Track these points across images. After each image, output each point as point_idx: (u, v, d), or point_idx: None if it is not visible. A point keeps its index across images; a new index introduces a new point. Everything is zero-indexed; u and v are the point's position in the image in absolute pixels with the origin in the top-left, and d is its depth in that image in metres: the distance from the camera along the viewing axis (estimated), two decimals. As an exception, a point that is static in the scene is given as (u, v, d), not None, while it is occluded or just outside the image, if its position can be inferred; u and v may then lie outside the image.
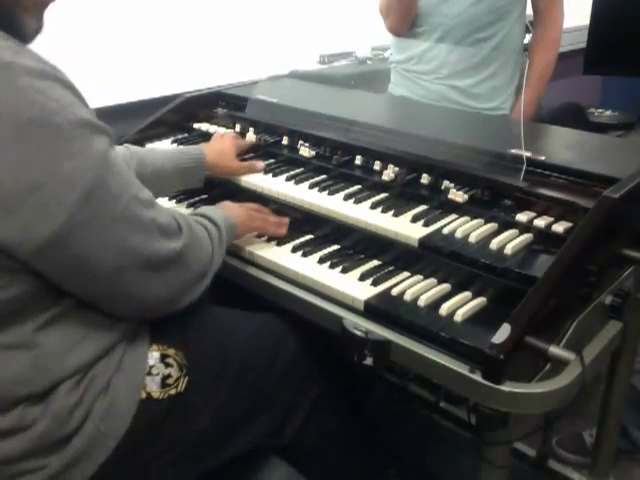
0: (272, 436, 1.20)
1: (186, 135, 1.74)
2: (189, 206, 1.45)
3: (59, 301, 0.94)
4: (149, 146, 1.63)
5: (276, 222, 1.29)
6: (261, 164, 1.47)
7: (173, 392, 1.04)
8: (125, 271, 0.94)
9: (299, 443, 1.23)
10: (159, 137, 1.69)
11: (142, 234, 0.94)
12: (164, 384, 1.03)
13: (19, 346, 0.92)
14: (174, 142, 1.69)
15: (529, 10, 2.01)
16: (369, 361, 1.02)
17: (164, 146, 1.65)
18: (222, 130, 1.68)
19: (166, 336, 1.07)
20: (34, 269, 0.89)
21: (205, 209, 1.21)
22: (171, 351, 1.06)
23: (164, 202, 1.47)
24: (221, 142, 1.50)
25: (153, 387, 1.02)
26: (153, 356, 1.04)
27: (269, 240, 1.29)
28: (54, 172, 0.84)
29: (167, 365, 1.05)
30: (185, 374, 1.06)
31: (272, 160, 1.52)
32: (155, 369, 1.03)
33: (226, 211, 1.21)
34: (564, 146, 1.46)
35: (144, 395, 1.01)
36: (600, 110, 2.72)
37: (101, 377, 0.98)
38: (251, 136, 1.59)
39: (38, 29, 0.96)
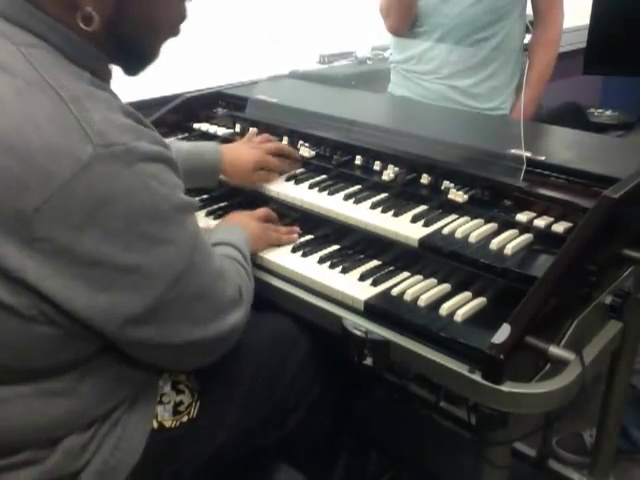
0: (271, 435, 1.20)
1: (186, 135, 1.73)
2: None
3: (105, 354, 0.93)
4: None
5: (287, 231, 1.29)
6: (276, 178, 1.42)
7: (185, 419, 1.02)
8: (196, 345, 0.93)
9: (294, 441, 1.23)
10: (159, 137, 1.68)
11: (217, 308, 0.94)
12: (176, 411, 1.02)
13: (59, 394, 0.91)
14: (174, 142, 1.69)
15: (529, 10, 2.01)
16: (369, 361, 1.02)
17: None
18: (222, 130, 1.68)
19: None
20: (106, 339, 0.88)
21: (227, 236, 1.16)
22: (182, 377, 1.05)
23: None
24: (244, 153, 1.42)
25: (165, 416, 1.01)
26: (165, 384, 1.03)
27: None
28: (152, 257, 0.84)
29: (179, 392, 1.03)
30: (197, 399, 1.04)
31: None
32: (166, 397, 1.02)
33: (244, 230, 1.19)
34: (564, 146, 1.47)
35: (156, 425, 0.99)
36: (600, 110, 2.72)
37: (113, 415, 0.97)
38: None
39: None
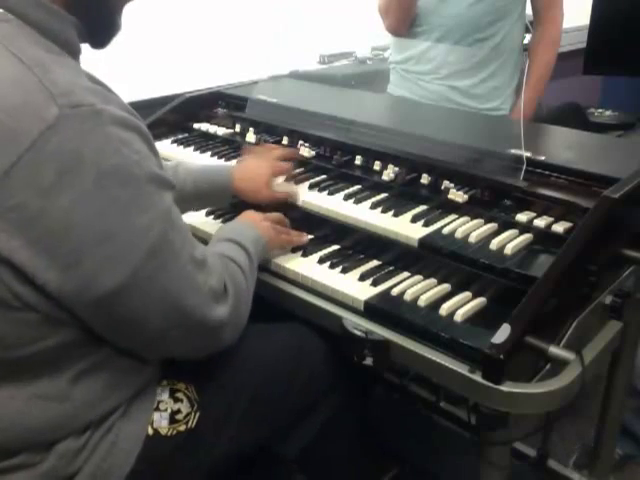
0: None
1: (186, 135, 1.74)
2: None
3: (94, 351, 0.92)
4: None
5: (298, 235, 1.27)
6: (296, 190, 1.36)
7: (182, 428, 1.00)
8: (173, 329, 0.91)
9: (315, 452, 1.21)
10: (159, 137, 1.69)
11: (196, 297, 0.92)
12: (173, 420, 1.00)
13: (52, 398, 0.90)
14: (174, 142, 1.69)
15: (529, 10, 2.01)
16: (369, 361, 1.02)
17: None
18: (222, 130, 1.68)
19: (178, 370, 1.04)
20: (84, 320, 0.87)
21: (236, 233, 1.14)
22: (181, 385, 1.03)
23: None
24: (256, 167, 1.36)
25: (162, 423, 0.99)
26: (163, 391, 1.02)
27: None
28: (125, 225, 0.82)
29: (176, 400, 1.01)
30: (196, 409, 1.02)
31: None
32: (163, 404, 1.00)
33: (256, 228, 1.17)
34: (564, 146, 1.47)
35: (151, 432, 0.98)
36: (600, 110, 2.71)
37: (108, 420, 0.96)
38: (251, 136, 1.60)
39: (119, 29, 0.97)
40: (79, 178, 0.79)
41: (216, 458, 1.05)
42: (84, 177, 0.79)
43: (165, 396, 1.01)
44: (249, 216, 1.24)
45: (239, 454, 1.09)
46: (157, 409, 1.00)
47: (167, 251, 0.87)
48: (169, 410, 1.00)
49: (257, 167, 1.36)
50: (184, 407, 1.02)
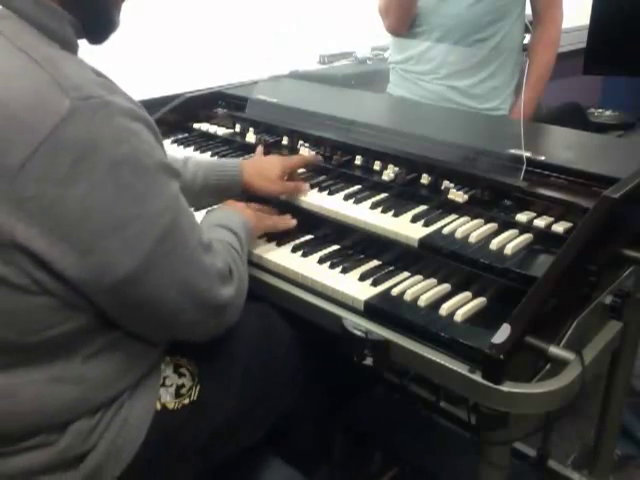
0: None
1: (186, 135, 1.74)
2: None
3: (107, 334, 0.95)
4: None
5: (282, 218, 1.30)
6: (306, 185, 1.36)
7: (186, 401, 1.04)
8: (185, 311, 0.95)
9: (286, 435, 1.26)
10: (159, 137, 1.68)
11: (205, 279, 0.95)
12: (178, 394, 1.04)
13: (67, 380, 0.93)
14: (174, 142, 1.69)
15: (528, 10, 2.01)
16: (369, 361, 1.02)
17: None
18: (222, 130, 1.68)
19: (178, 345, 1.07)
20: (100, 305, 0.90)
21: (225, 219, 1.17)
22: (183, 361, 1.07)
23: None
24: (266, 161, 1.40)
25: (167, 398, 1.03)
26: (167, 367, 1.05)
27: (269, 240, 1.28)
28: (138, 212, 0.85)
29: (180, 375, 1.06)
30: (197, 382, 1.06)
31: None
32: (169, 380, 1.04)
33: (242, 214, 1.20)
34: (564, 146, 1.46)
35: (159, 407, 1.02)
36: (600, 110, 2.71)
37: (119, 399, 0.99)
38: (251, 136, 1.60)
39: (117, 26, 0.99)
40: (93, 167, 0.81)
41: (219, 424, 1.09)
42: (98, 166, 0.81)
43: (169, 372, 1.05)
44: (231, 204, 1.27)
45: (240, 419, 1.13)
46: (163, 385, 1.04)
47: (177, 236, 0.90)
48: (174, 385, 1.04)
49: (269, 161, 1.39)
50: (187, 381, 1.06)
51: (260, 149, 1.51)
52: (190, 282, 0.93)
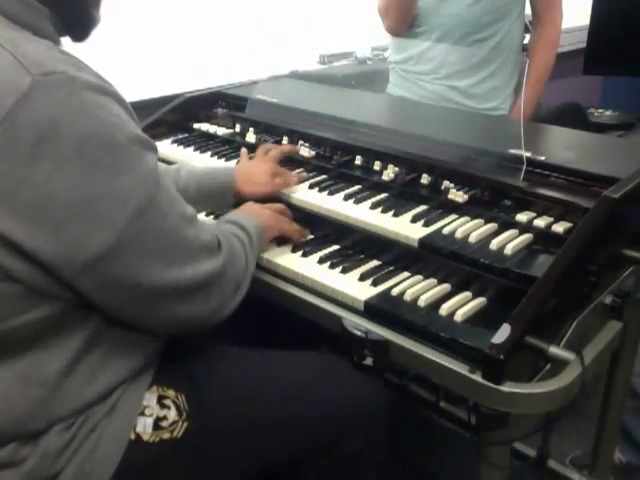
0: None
1: (186, 135, 1.74)
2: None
3: (78, 330, 0.91)
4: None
5: (300, 229, 1.28)
6: (295, 178, 1.38)
7: (166, 436, 0.98)
8: (167, 289, 0.92)
9: None
10: (159, 137, 1.69)
11: (187, 252, 0.93)
12: (157, 426, 0.98)
13: (34, 381, 0.89)
14: (174, 142, 1.69)
15: (528, 10, 2.01)
16: (369, 361, 1.02)
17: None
18: (222, 130, 1.68)
19: (170, 377, 1.03)
20: (75, 287, 0.86)
21: (235, 216, 1.18)
22: (171, 393, 1.01)
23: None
24: (253, 167, 1.38)
25: (145, 429, 0.97)
26: (150, 396, 1.00)
27: (269, 240, 1.28)
28: (109, 188, 0.83)
29: (163, 406, 0.99)
30: (185, 419, 1.00)
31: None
32: (149, 410, 0.98)
33: (255, 215, 1.19)
34: (564, 146, 1.46)
35: (133, 436, 0.96)
36: (600, 110, 2.71)
37: (93, 417, 0.95)
38: (251, 136, 1.60)
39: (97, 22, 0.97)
40: (57, 145, 0.79)
41: (204, 473, 1.02)
42: (63, 143, 0.79)
43: (152, 402, 0.99)
44: (248, 206, 1.26)
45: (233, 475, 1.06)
46: (142, 414, 0.98)
47: (155, 210, 0.88)
48: (154, 416, 0.98)
49: (259, 165, 1.38)
50: (171, 414, 0.99)
51: (244, 151, 1.50)
52: (170, 257, 0.90)
